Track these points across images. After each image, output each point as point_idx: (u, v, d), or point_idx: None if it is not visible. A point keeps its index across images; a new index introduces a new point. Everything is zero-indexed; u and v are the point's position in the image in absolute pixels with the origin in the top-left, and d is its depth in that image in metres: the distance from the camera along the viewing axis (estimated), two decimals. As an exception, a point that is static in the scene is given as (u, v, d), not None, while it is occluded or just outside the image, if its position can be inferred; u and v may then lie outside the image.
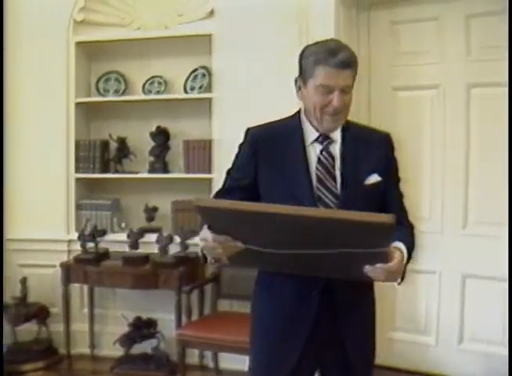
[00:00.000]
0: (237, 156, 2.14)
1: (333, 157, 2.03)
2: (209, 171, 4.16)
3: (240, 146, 2.13)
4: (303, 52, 2.03)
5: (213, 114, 4.15)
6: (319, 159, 2.02)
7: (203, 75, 4.27)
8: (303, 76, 2.00)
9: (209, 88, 4.21)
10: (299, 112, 2.10)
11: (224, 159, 4.04)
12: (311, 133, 2.04)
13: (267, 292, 2.12)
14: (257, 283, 2.20)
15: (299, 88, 2.04)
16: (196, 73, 4.31)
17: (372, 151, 2.05)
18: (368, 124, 3.93)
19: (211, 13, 4.16)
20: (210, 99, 4.17)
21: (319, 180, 2.00)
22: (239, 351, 3.41)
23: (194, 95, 4.26)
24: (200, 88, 4.26)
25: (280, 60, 3.89)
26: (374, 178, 2.03)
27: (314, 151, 2.03)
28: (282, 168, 2.02)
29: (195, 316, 3.93)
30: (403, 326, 3.99)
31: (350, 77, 1.96)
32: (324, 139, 2.03)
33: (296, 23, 3.90)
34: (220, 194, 2.11)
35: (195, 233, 4.07)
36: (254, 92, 3.99)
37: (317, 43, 2.02)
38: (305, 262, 1.83)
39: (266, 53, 3.97)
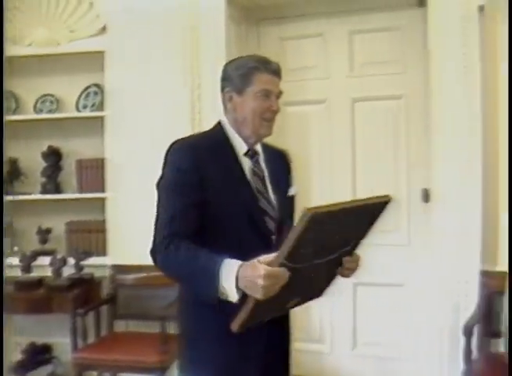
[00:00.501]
0: (174, 173, 1.97)
1: (262, 170, 2.10)
2: (102, 190, 4.10)
3: (174, 162, 1.98)
4: (230, 65, 2.09)
5: (105, 133, 4.09)
6: (253, 171, 2.07)
7: (96, 93, 4.22)
8: (237, 87, 2.04)
9: (101, 107, 4.16)
10: (220, 125, 2.11)
11: (117, 178, 4.05)
12: (240, 145, 2.07)
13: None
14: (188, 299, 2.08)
15: (229, 100, 2.06)
16: (88, 91, 4.25)
17: (281, 166, 2.20)
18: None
19: (103, 30, 4.11)
20: (102, 118, 4.11)
21: (258, 191, 2.04)
22: (138, 370, 3.40)
23: (86, 113, 4.20)
24: (93, 106, 4.21)
25: (172, 76, 3.91)
26: (293, 191, 2.16)
27: (246, 163, 2.07)
28: (225, 180, 1.98)
29: (92, 338, 3.86)
30: (299, 336, 4.06)
31: (279, 85, 2.10)
32: (253, 152, 2.09)
33: (187, 40, 3.91)
34: (176, 218, 1.92)
35: (89, 254, 4.02)
36: (146, 109, 3.97)
37: (241, 57, 2.11)
38: (319, 274, 1.88)
39: (158, 70, 3.96)
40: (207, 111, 3.84)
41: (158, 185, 2.01)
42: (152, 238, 1.99)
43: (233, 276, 1.72)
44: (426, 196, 3.75)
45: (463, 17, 3.46)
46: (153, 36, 3.97)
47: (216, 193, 1.94)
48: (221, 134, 2.09)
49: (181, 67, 3.92)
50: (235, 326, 1.76)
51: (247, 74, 2.03)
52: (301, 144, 4.00)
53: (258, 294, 1.67)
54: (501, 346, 3.32)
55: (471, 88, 3.46)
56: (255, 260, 1.71)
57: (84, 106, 4.23)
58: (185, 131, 3.84)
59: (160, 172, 2.02)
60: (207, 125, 3.66)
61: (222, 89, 2.10)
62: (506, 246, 3.29)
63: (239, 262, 1.73)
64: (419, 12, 3.73)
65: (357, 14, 3.90)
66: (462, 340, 3.17)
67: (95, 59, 4.10)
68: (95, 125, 4.13)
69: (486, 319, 3.36)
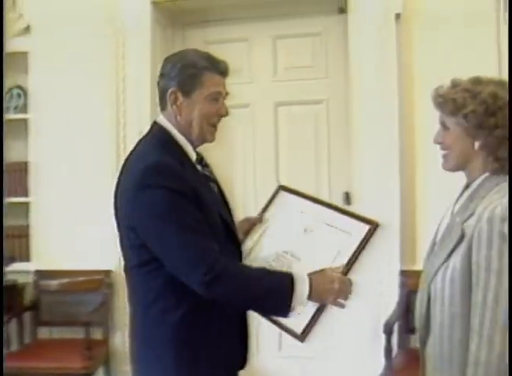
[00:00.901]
0: (169, 195, 1.73)
1: (215, 176, 2.01)
2: (26, 194, 4.03)
3: (161, 185, 1.73)
4: (175, 62, 1.88)
5: (29, 136, 4.03)
6: (210, 178, 1.97)
7: (19, 95, 4.14)
8: (184, 88, 1.85)
9: (25, 109, 4.09)
10: (164, 129, 1.88)
11: (41, 182, 3.99)
12: (190, 150, 1.90)
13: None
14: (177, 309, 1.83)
15: (174, 102, 1.86)
16: (11, 93, 4.17)
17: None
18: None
19: (27, 30, 4.04)
20: (26, 120, 4.04)
21: (223, 199, 1.99)
22: (63, 378, 3.37)
23: (9, 115, 4.11)
24: (16, 108, 4.13)
25: (96, 79, 3.89)
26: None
27: (199, 169, 1.93)
28: (202, 190, 1.83)
29: (15, 346, 3.79)
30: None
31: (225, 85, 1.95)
32: (201, 158, 1.96)
33: (112, 43, 3.90)
34: (204, 240, 1.75)
35: (12, 259, 3.94)
36: (70, 112, 3.94)
37: (186, 53, 1.93)
38: None
39: (83, 72, 3.92)
40: (131, 115, 3.84)
41: (143, 218, 1.75)
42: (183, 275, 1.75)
43: (307, 286, 1.75)
44: (347, 199, 3.84)
45: (381, 24, 3.59)
46: (78, 38, 3.93)
47: (202, 204, 1.80)
48: (172, 141, 1.88)
49: (105, 70, 3.90)
50: (303, 335, 1.85)
51: (197, 75, 1.85)
52: (225, 148, 4.03)
53: (331, 297, 1.80)
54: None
55: (389, 93, 3.58)
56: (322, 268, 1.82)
57: (7, 109, 4.15)
58: (109, 133, 3.87)
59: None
60: (131, 128, 3.76)
61: (164, 88, 1.89)
62: (424, 246, 3.40)
63: (306, 273, 1.78)
64: (339, 18, 3.82)
65: (280, 19, 3.96)
66: (383, 337, 3.28)
67: (18, 61, 4.02)
68: (19, 128, 4.04)
69: (405, 316, 3.48)
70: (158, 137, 1.88)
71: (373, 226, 1.98)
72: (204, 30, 4.10)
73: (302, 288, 1.75)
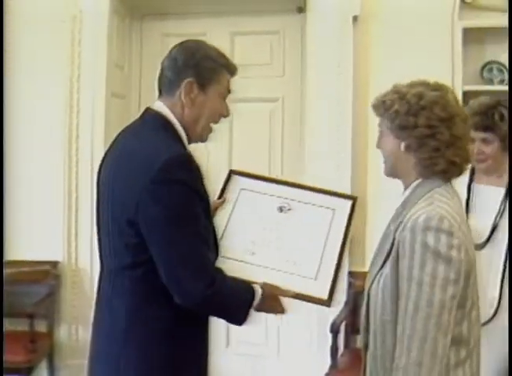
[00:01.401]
0: (188, 194, 1.64)
1: None
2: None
3: (181, 181, 1.63)
4: (195, 52, 1.78)
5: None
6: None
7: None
8: (201, 80, 1.75)
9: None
10: (166, 121, 1.75)
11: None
12: (187, 146, 1.81)
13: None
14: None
15: (188, 92, 1.75)
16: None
17: None
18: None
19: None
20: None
21: None
22: (5, 370, 3.23)
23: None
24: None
25: (52, 64, 3.84)
26: None
27: None
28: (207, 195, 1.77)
29: None
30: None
31: None
32: None
33: (69, 28, 3.82)
34: (207, 247, 1.70)
35: None
36: (24, 95, 3.88)
37: (200, 44, 1.84)
38: None
39: (38, 56, 3.86)
40: (84, 102, 3.81)
41: (153, 216, 1.62)
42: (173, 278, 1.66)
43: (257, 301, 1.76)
44: (299, 197, 3.85)
45: (339, 25, 3.61)
46: (35, 22, 3.84)
47: (208, 209, 1.76)
48: (176, 134, 1.76)
49: (60, 56, 3.83)
50: (329, 299, 1.90)
51: (216, 70, 1.78)
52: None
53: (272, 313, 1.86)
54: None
55: (344, 94, 3.61)
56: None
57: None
58: (61, 120, 3.82)
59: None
60: (84, 116, 3.69)
61: (177, 75, 1.76)
62: (372, 248, 3.44)
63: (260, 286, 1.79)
64: (298, 18, 3.84)
65: (239, 16, 3.95)
66: (329, 337, 3.30)
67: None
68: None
69: (352, 317, 3.51)
70: (163, 126, 1.75)
71: (355, 200, 2.02)
72: (163, 23, 4.08)
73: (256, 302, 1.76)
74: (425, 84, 1.70)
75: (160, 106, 1.78)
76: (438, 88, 1.69)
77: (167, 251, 1.63)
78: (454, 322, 1.55)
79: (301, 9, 3.81)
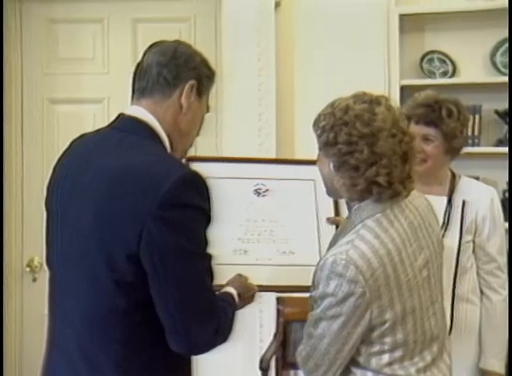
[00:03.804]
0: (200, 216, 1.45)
1: None
2: None
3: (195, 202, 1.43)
4: (194, 55, 1.61)
5: None
6: None
7: None
8: (200, 86, 1.59)
9: None
10: (152, 130, 1.53)
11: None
12: None
13: None
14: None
15: (188, 96, 1.57)
16: None
17: None
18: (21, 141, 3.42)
19: None
20: None
21: None
22: None
23: None
24: None
25: None
26: None
27: None
28: None
29: None
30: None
31: None
32: None
33: None
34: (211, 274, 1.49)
35: None
36: None
37: (196, 50, 1.65)
38: None
39: None
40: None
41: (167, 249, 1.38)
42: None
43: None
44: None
45: (259, 12, 3.19)
46: None
47: None
48: (163, 146, 1.55)
49: None
50: None
51: (211, 79, 1.65)
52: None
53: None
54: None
55: (266, 84, 3.22)
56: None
57: None
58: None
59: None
60: None
61: (180, 75, 1.56)
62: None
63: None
64: (212, 2, 3.34)
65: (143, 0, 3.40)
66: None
67: None
68: None
69: (282, 350, 3.08)
70: (151, 137, 1.52)
71: None
72: (48, 5, 3.44)
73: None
74: (360, 95, 1.60)
75: (138, 111, 1.54)
76: (371, 100, 1.58)
77: (176, 292, 1.40)
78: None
79: (215, -6, 3.33)
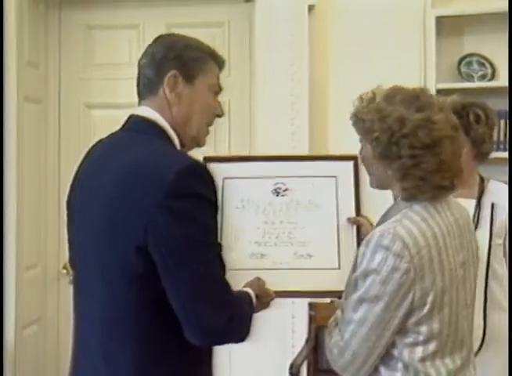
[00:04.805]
0: (207, 208, 1.45)
1: None
2: None
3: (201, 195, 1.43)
4: (176, 42, 1.61)
5: None
6: None
7: None
8: (187, 71, 1.56)
9: None
10: (154, 124, 1.54)
11: None
12: None
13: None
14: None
15: (173, 87, 1.55)
16: None
17: None
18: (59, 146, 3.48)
19: None
20: None
21: None
22: None
23: None
24: None
25: None
26: None
27: None
28: None
29: None
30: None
31: None
32: None
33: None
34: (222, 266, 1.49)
35: None
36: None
37: (180, 36, 1.66)
38: None
39: None
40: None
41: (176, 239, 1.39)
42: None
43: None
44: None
45: (293, 16, 3.18)
46: None
47: None
48: (171, 142, 1.55)
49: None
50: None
51: (202, 59, 1.59)
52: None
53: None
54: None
55: (299, 88, 3.20)
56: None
57: None
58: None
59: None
60: None
61: (156, 72, 1.56)
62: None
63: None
64: (245, 7, 3.36)
65: (177, 5, 3.44)
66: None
67: None
68: None
69: (314, 355, 3.09)
70: (157, 133, 1.54)
71: (356, 160, 1.84)
72: (86, 12, 3.51)
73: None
74: (406, 100, 1.56)
75: (146, 111, 1.57)
76: (423, 106, 1.55)
77: (187, 281, 1.39)
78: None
79: (249, -3, 3.35)
